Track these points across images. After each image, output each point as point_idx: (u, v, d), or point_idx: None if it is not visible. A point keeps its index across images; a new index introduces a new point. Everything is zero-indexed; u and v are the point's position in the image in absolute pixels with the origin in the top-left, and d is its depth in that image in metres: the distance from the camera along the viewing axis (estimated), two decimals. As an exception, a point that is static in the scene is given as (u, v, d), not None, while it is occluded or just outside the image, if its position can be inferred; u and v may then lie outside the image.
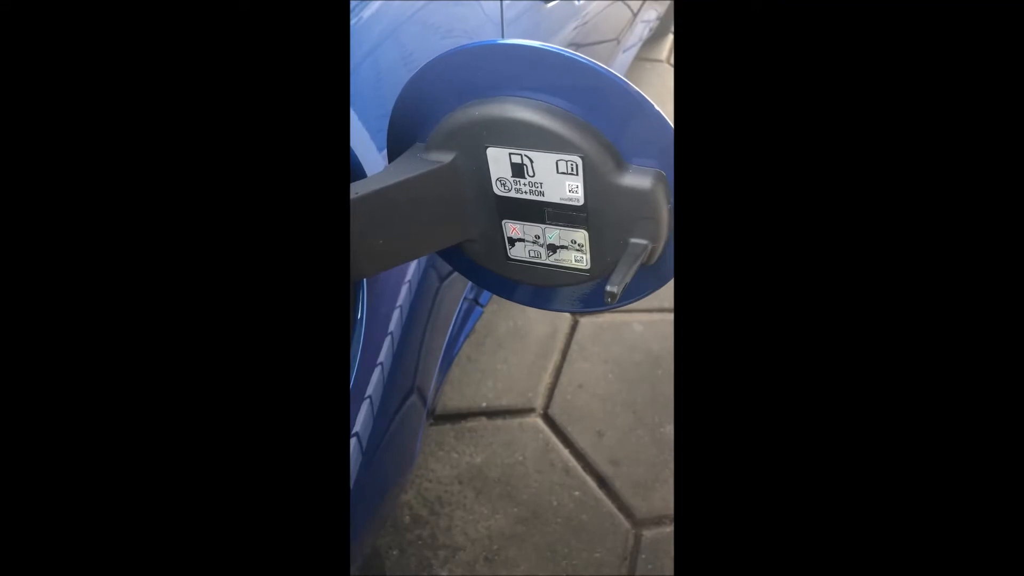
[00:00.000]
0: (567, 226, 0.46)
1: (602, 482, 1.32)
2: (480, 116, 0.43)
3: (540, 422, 1.41)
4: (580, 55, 0.41)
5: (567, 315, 1.64)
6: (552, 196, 0.45)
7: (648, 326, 1.63)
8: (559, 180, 0.44)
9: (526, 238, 0.48)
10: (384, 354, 0.69)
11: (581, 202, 0.44)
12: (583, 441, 1.38)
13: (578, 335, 1.60)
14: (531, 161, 0.43)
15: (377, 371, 0.68)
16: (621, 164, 0.43)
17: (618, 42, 1.89)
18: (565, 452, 1.36)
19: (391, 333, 0.70)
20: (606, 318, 1.65)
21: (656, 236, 0.44)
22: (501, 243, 0.49)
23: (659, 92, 2.53)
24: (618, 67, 1.99)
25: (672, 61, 2.74)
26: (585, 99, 0.42)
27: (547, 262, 0.49)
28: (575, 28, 1.28)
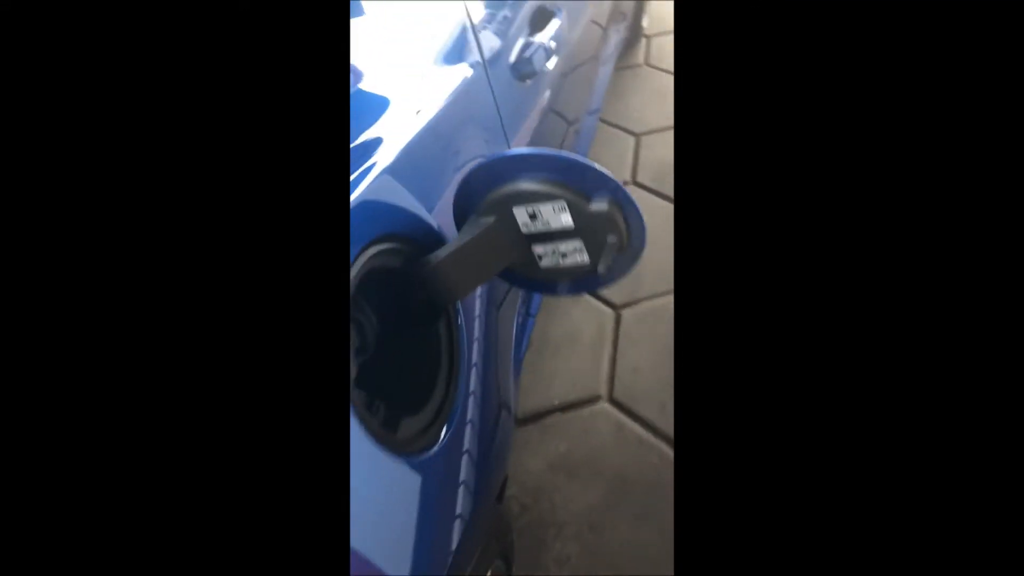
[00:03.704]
0: (569, 240, 0.72)
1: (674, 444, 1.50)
2: (506, 192, 0.71)
3: (608, 407, 1.61)
4: (551, 151, 0.68)
5: (611, 312, 1.84)
6: (556, 225, 0.71)
7: (683, 304, 1.82)
8: (556, 216, 0.70)
9: (547, 253, 0.74)
10: (474, 383, 0.86)
11: (572, 226, 0.71)
12: (649, 414, 1.57)
13: (623, 326, 1.80)
14: (539, 210, 0.70)
15: (472, 399, 0.84)
16: (587, 199, 0.69)
17: (597, 58, 2.09)
18: (636, 427, 1.55)
19: (475, 364, 0.86)
20: (644, 306, 1.84)
21: (620, 234, 0.70)
22: (534, 260, 0.75)
23: (643, 94, 2.73)
24: (602, 81, 2.20)
25: (649, 62, 2.94)
26: (559, 169, 0.69)
27: (563, 264, 0.75)
28: (558, 68, 1.48)
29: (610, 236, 0.69)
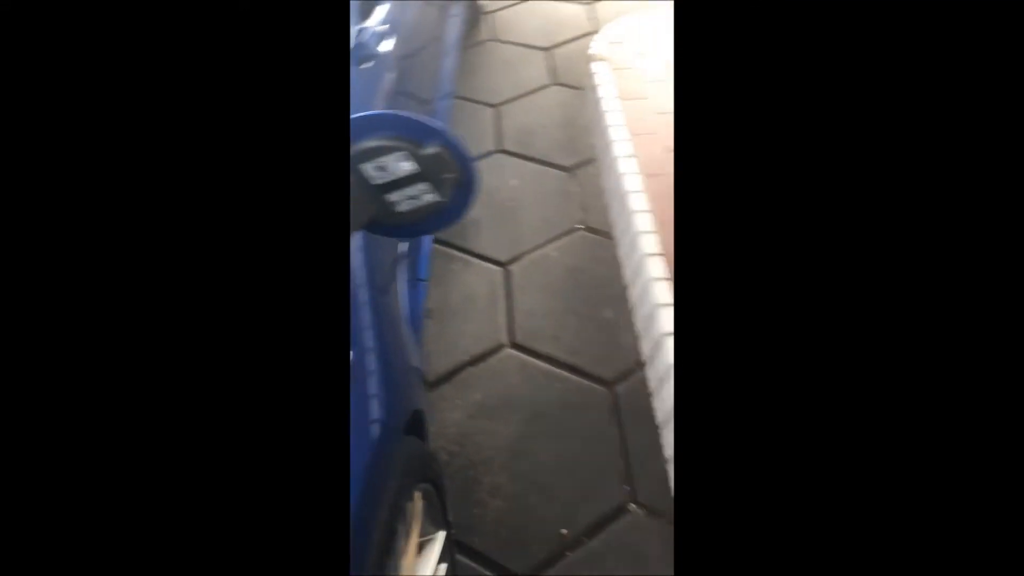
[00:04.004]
0: (416, 183, 0.86)
1: (573, 369, 1.68)
2: (352, 152, 0.83)
3: (512, 351, 1.76)
4: (385, 111, 0.81)
5: (499, 269, 1.99)
6: (401, 173, 0.85)
7: (560, 250, 2.00)
8: (399, 165, 0.84)
9: (401, 199, 0.87)
10: (364, 299, 0.97)
11: (417, 170, 0.84)
12: (548, 349, 1.74)
13: (513, 279, 1.96)
14: (384, 163, 0.83)
15: (370, 311, 0.97)
16: (421, 145, 0.83)
17: (439, 39, 2.21)
18: (538, 362, 1.72)
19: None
20: (527, 258, 2.01)
21: (454, 172, 0.84)
22: (392, 207, 0.88)
23: (494, 67, 2.89)
24: (450, 63, 2.33)
25: (496, 37, 3.10)
26: (394, 126, 0.82)
27: (418, 205, 0.88)
28: (397, 50, 1.60)
29: (446, 173, 0.84)
